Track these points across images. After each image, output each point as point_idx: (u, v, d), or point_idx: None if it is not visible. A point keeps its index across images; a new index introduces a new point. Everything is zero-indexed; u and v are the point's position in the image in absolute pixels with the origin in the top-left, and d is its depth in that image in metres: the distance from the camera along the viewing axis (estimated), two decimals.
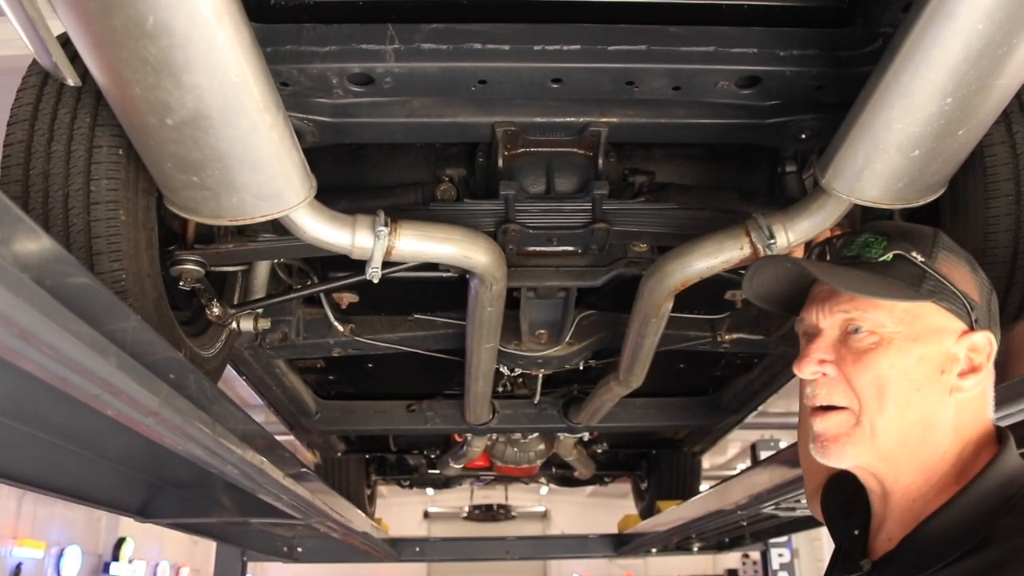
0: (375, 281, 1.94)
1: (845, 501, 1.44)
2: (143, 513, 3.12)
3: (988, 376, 1.22)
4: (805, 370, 1.25)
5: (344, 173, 2.34)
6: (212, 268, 2.17)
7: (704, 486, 5.54)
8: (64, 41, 1.44)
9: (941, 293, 1.20)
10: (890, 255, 1.23)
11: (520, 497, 16.04)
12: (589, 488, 11.46)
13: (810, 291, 1.33)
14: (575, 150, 2.10)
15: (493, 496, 15.20)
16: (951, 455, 1.20)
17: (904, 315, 1.20)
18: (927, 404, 1.19)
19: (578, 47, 1.76)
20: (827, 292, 1.27)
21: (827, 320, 1.26)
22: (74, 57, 1.44)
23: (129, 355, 1.30)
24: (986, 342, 1.20)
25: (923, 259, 1.21)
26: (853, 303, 1.22)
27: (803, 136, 1.95)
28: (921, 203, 1.72)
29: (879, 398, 1.20)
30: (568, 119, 1.98)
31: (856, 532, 1.31)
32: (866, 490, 1.31)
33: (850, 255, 1.28)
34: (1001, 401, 1.37)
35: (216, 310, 2.28)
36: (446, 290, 2.58)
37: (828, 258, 1.33)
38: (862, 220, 2.15)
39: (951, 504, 1.15)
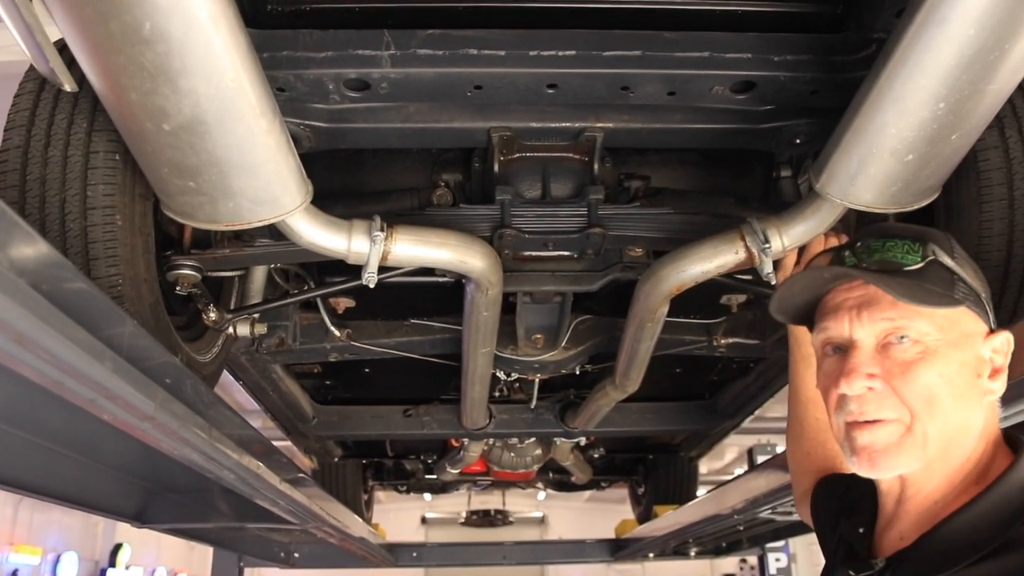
0: (371, 286, 1.94)
1: (841, 501, 1.45)
2: (140, 518, 3.11)
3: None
4: (855, 386, 1.21)
5: (341, 178, 2.35)
6: (209, 273, 2.18)
7: (701, 491, 5.55)
8: (61, 47, 1.45)
9: (969, 297, 1.21)
10: (923, 261, 1.21)
11: (518, 502, 16.01)
12: (587, 493, 11.45)
13: (827, 301, 1.30)
14: (571, 155, 2.11)
15: (491, 501, 15.17)
16: (974, 458, 1.21)
17: (944, 322, 1.19)
18: (967, 409, 1.20)
19: (573, 53, 1.77)
20: (860, 301, 1.23)
21: (863, 330, 1.22)
22: (71, 63, 1.44)
23: (125, 359, 1.30)
24: (1005, 342, 1.22)
25: (951, 263, 1.21)
26: (898, 311, 1.19)
27: (798, 141, 1.95)
28: (915, 207, 1.73)
29: (930, 408, 1.18)
30: (563, 124, 1.99)
31: (861, 530, 1.31)
32: (870, 490, 1.31)
33: (881, 259, 1.24)
34: (1003, 402, 1.37)
35: (213, 315, 2.28)
36: (442, 295, 2.58)
37: (845, 264, 1.28)
38: (857, 224, 2.16)
39: (972, 506, 1.14)
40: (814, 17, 1.82)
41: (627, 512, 7.11)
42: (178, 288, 2.09)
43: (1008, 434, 1.25)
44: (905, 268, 1.22)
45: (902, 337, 1.20)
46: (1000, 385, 1.22)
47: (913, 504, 1.23)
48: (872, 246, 1.26)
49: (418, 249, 1.94)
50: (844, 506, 1.42)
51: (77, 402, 1.27)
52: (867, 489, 1.34)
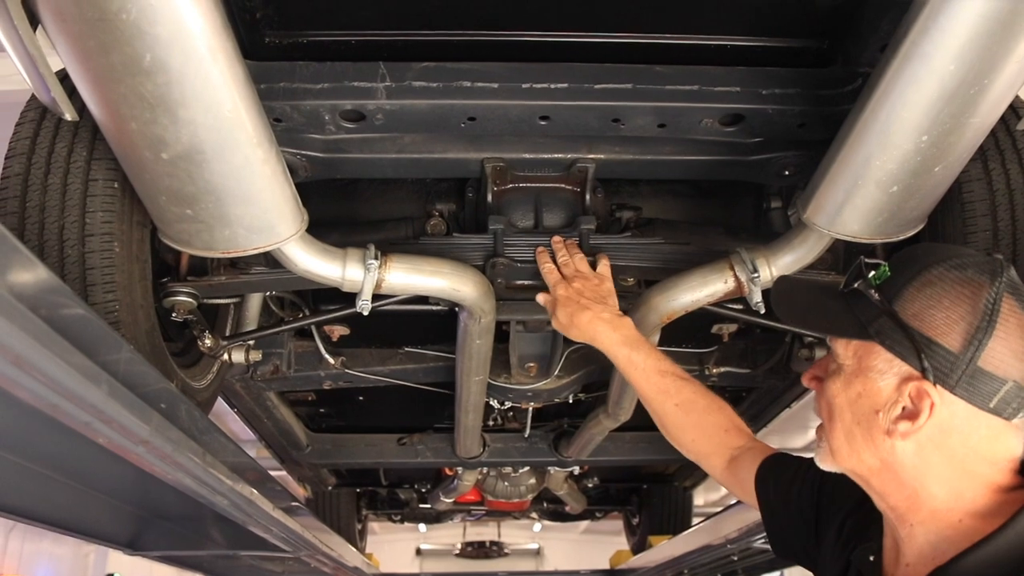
0: (365, 313, 1.96)
1: (839, 496, 1.46)
2: (132, 546, 3.09)
3: (950, 422, 1.14)
4: (803, 381, 1.35)
5: (336, 207, 2.37)
6: (204, 300, 2.19)
7: (696, 523, 5.53)
8: (63, 77, 1.47)
9: (887, 334, 1.17)
10: (862, 288, 1.22)
11: (513, 534, 15.88)
12: (582, 525, 11.38)
13: None
14: (563, 186, 2.14)
15: (486, 533, 15.06)
16: (971, 499, 1.16)
17: (857, 349, 1.22)
18: (869, 440, 1.21)
19: (565, 85, 1.80)
20: None
21: (828, 341, 1.31)
22: (72, 92, 1.47)
23: (121, 384, 1.31)
24: (926, 392, 1.13)
25: (880, 297, 1.19)
26: None
27: (786, 172, 1.98)
28: (901, 237, 1.76)
29: (830, 420, 1.27)
30: (556, 155, 2.02)
31: (872, 558, 1.31)
32: (880, 516, 1.32)
33: (858, 282, 1.27)
34: None
35: (208, 342, 2.30)
36: (436, 323, 2.60)
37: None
38: (845, 255, 2.18)
39: (988, 542, 1.12)
40: (801, 52, 1.85)
41: (622, 543, 7.07)
42: (174, 315, 2.10)
43: None
44: (858, 291, 1.23)
45: (831, 353, 1.28)
46: (907, 429, 1.16)
47: (910, 539, 1.23)
48: (871, 266, 1.27)
49: (412, 277, 1.96)
50: (857, 505, 1.42)
51: (73, 426, 1.28)
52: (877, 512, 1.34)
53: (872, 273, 1.23)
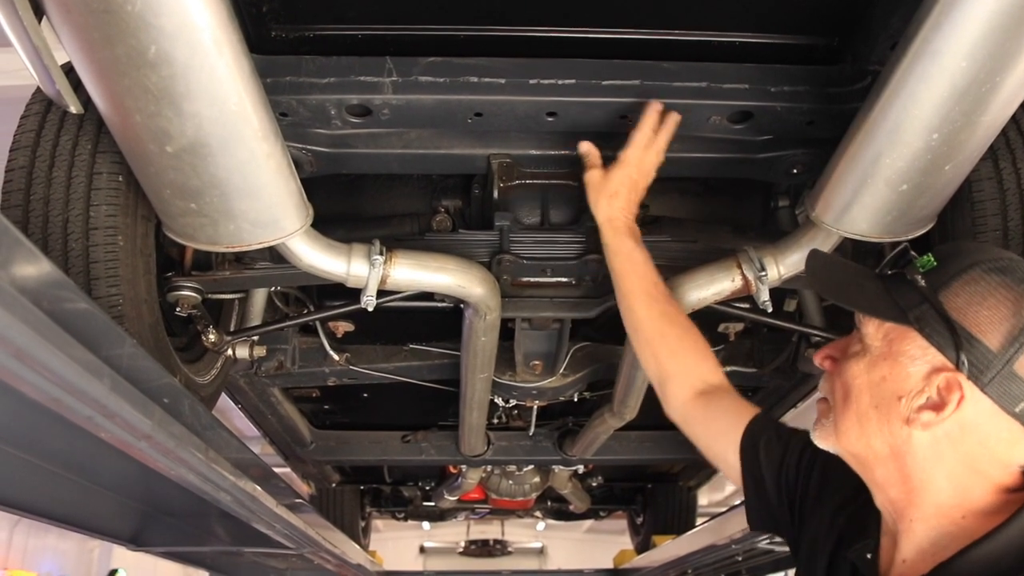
0: (370, 309, 1.95)
1: (835, 483, 1.44)
2: (136, 541, 3.10)
3: (973, 419, 1.14)
4: (815, 359, 1.35)
5: (341, 203, 2.36)
6: (209, 295, 2.19)
7: (701, 523, 5.51)
8: (68, 70, 1.47)
9: (928, 322, 1.16)
10: (911, 276, 1.21)
11: (517, 533, 15.88)
12: (586, 524, 11.39)
13: None
14: (569, 182, 2.12)
15: (489, 531, 15.06)
16: (974, 497, 1.16)
17: (889, 332, 1.21)
18: (886, 425, 1.20)
19: (573, 81, 1.79)
20: None
21: (856, 320, 1.30)
22: (77, 85, 1.46)
23: (124, 378, 1.31)
24: (957, 384, 1.13)
25: (927, 284, 1.18)
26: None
27: (795, 170, 1.97)
28: (910, 237, 1.74)
29: (844, 401, 1.25)
30: (563, 152, 2.01)
31: (869, 556, 1.30)
32: (877, 513, 1.31)
33: (896, 269, 1.27)
34: None
35: (212, 337, 2.29)
36: (441, 320, 2.59)
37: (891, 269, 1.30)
38: (853, 254, 2.17)
39: (991, 538, 1.12)
40: (811, 49, 1.84)
41: (627, 543, 7.06)
42: (178, 309, 2.10)
43: None
44: (900, 276, 1.23)
45: (855, 334, 1.27)
46: (930, 419, 1.15)
47: (910, 533, 1.22)
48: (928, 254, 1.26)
49: (417, 273, 1.96)
50: (849, 499, 1.40)
51: (75, 420, 1.27)
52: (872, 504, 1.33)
53: (919, 260, 1.22)
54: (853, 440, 1.24)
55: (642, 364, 1.82)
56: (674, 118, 1.81)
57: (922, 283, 1.19)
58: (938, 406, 1.15)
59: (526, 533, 16.59)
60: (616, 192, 1.85)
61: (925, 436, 1.17)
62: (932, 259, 1.21)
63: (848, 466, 1.41)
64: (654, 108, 1.80)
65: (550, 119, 1.84)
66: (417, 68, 1.77)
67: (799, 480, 1.50)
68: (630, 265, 1.82)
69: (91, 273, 1.71)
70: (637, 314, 1.78)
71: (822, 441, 1.30)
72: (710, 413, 1.66)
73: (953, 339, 1.14)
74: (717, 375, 1.71)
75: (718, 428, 1.64)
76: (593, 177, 1.89)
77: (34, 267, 1.10)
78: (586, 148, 1.91)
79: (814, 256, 1.39)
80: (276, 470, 2.47)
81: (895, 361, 1.20)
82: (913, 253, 1.24)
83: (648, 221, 2.29)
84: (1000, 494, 1.16)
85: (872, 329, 1.24)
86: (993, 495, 1.16)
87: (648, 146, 1.82)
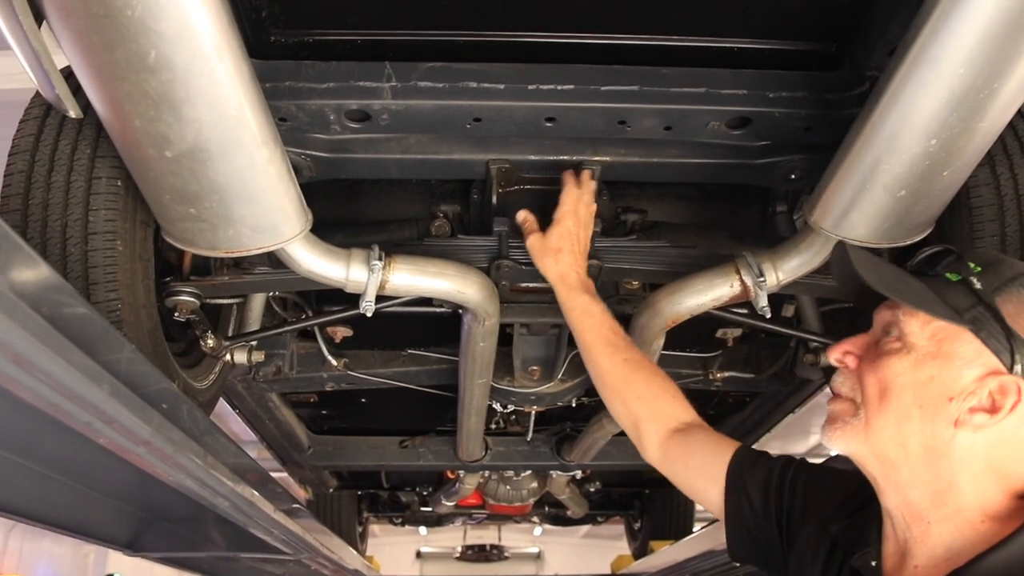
0: (369, 315, 1.95)
1: (829, 495, 1.44)
2: (132, 546, 3.09)
3: (1015, 424, 1.16)
4: (832, 355, 1.33)
5: (340, 208, 2.36)
6: (207, 300, 2.19)
7: (698, 528, 5.51)
8: (67, 74, 1.47)
9: (984, 325, 1.17)
10: (957, 277, 1.22)
11: (514, 538, 15.86)
12: (583, 529, 11.37)
13: None
14: None
15: (486, 536, 15.04)
16: (985, 495, 1.18)
17: (937, 332, 1.21)
18: (929, 425, 1.19)
19: (571, 87, 1.79)
20: None
21: (879, 318, 1.29)
22: (76, 90, 1.46)
23: (123, 384, 1.30)
24: (1014, 387, 1.15)
25: (982, 287, 1.19)
26: (902, 308, 1.25)
27: (793, 176, 1.97)
28: (909, 242, 1.75)
29: (880, 399, 1.23)
30: (561, 157, 2.01)
31: (874, 563, 1.29)
32: (876, 513, 1.31)
33: (936, 271, 1.28)
34: None
35: (210, 342, 2.29)
36: (440, 325, 2.59)
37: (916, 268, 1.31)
38: None
39: (1007, 544, 1.12)
40: (809, 55, 1.84)
41: (623, 548, 7.06)
42: (177, 314, 2.10)
43: None
44: (941, 279, 1.24)
45: (890, 331, 1.26)
46: (983, 421, 1.16)
47: (924, 539, 1.22)
48: (951, 260, 1.28)
49: (416, 279, 1.96)
50: (838, 509, 1.41)
51: (73, 425, 1.27)
52: (872, 510, 1.33)
53: (970, 264, 1.23)
54: (887, 439, 1.23)
55: (613, 415, 1.84)
56: (588, 173, 1.95)
57: (978, 285, 1.19)
58: (990, 409, 1.16)
59: (523, 538, 16.57)
60: (559, 248, 1.91)
61: (967, 438, 1.17)
62: (977, 265, 1.23)
63: (834, 480, 1.43)
64: (568, 172, 1.94)
65: (549, 124, 1.85)
66: (416, 73, 1.77)
67: (784, 499, 1.50)
68: (587, 318, 1.85)
69: (90, 278, 1.71)
70: (601, 365, 1.81)
71: (841, 442, 1.28)
72: (687, 450, 1.66)
73: (1009, 343, 1.16)
74: (689, 413, 1.72)
75: (698, 464, 1.63)
76: (534, 241, 1.95)
77: (33, 272, 1.10)
78: (522, 216, 2.00)
79: (854, 250, 1.33)
80: (273, 475, 2.46)
81: (946, 361, 1.19)
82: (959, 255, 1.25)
83: (647, 226, 2.30)
84: (1014, 500, 1.17)
85: (917, 327, 1.23)
86: (1008, 500, 1.17)
87: (578, 200, 1.91)
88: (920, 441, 1.20)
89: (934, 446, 1.19)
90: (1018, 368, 1.15)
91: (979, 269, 1.22)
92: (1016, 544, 1.12)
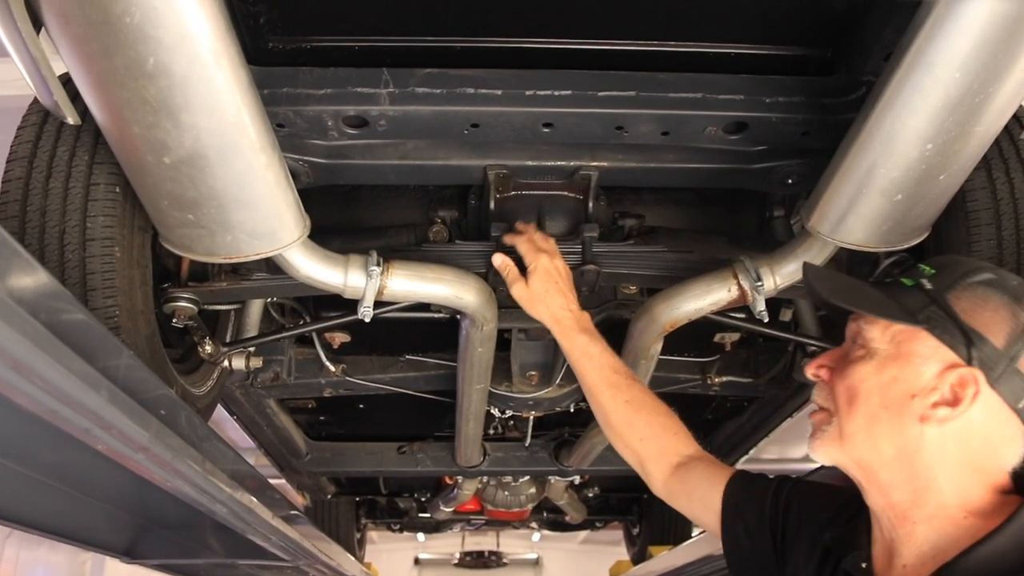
0: (367, 320, 1.95)
1: (819, 509, 1.47)
2: (130, 553, 3.08)
3: (980, 416, 1.19)
4: (808, 371, 1.39)
5: (338, 214, 2.37)
6: (205, 306, 2.19)
7: (696, 532, 5.50)
8: (65, 80, 1.47)
9: (939, 323, 1.22)
10: (911, 282, 1.28)
11: (512, 544, 15.83)
12: (582, 535, 11.35)
13: None
14: (566, 193, 2.13)
15: (485, 543, 15.01)
16: (973, 497, 1.20)
17: (897, 335, 1.26)
18: (896, 424, 1.23)
19: (569, 92, 1.79)
20: None
21: (848, 331, 1.34)
22: (75, 96, 1.46)
23: (121, 390, 1.30)
24: (972, 378, 1.18)
25: (934, 288, 1.25)
26: (864, 318, 1.31)
27: (790, 181, 1.98)
28: (905, 246, 1.75)
29: (849, 405, 1.27)
30: (559, 163, 2.01)
31: (864, 565, 1.31)
32: (865, 518, 1.33)
33: (892, 277, 1.36)
34: None
35: (208, 348, 2.29)
36: (438, 331, 2.59)
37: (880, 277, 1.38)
38: (848, 264, 2.18)
39: (991, 539, 1.15)
40: (805, 60, 1.85)
41: (622, 553, 7.04)
42: (174, 320, 2.10)
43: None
44: (897, 284, 1.30)
45: (858, 340, 1.30)
46: (946, 415, 1.19)
47: (909, 537, 1.24)
48: (908, 266, 1.36)
49: (414, 284, 1.96)
50: (831, 519, 1.43)
51: (71, 432, 1.27)
52: (863, 517, 1.35)
53: (923, 267, 1.29)
54: (860, 443, 1.26)
55: (619, 453, 1.86)
56: (531, 227, 2.03)
57: (929, 286, 1.25)
58: (952, 402, 1.20)
59: (522, 544, 16.54)
60: (547, 291, 1.93)
61: (935, 434, 1.20)
62: (931, 268, 1.28)
63: (826, 493, 1.47)
64: (507, 236, 2.00)
65: (546, 130, 1.85)
66: (414, 79, 1.77)
67: (779, 517, 1.53)
68: (587, 361, 1.87)
69: (88, 284, 1.71)
70: (605, 408, 1.84)
71: (822, 452, 1.32)
72: (689, 485, 1.70)
73: (963, 337, 1.20)
74: (690, 446, 1.76)
75: (699, 496, 1.68)
76: (519, 292, 1.97)
77: (31, 278, 1.10)
78: (499, 262, 2.00)
79: (811, 267, 1.43)
80: (271, 481, 2.46)
81: (906, 361, 1.23)
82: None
83: (644, 231, 2.30)
84: (995, 495, 1.20)
85: (878, 333, 1.27)
86: (990, 495, 1.20)
87: (531, 242, 1.96)
88: (891, 442, 1.24)
89: (904, 445, 1.23)
90: (976, 361, 1.19)
91: (932, 271, 1.28)
92: (1000, 538, 1.14)
